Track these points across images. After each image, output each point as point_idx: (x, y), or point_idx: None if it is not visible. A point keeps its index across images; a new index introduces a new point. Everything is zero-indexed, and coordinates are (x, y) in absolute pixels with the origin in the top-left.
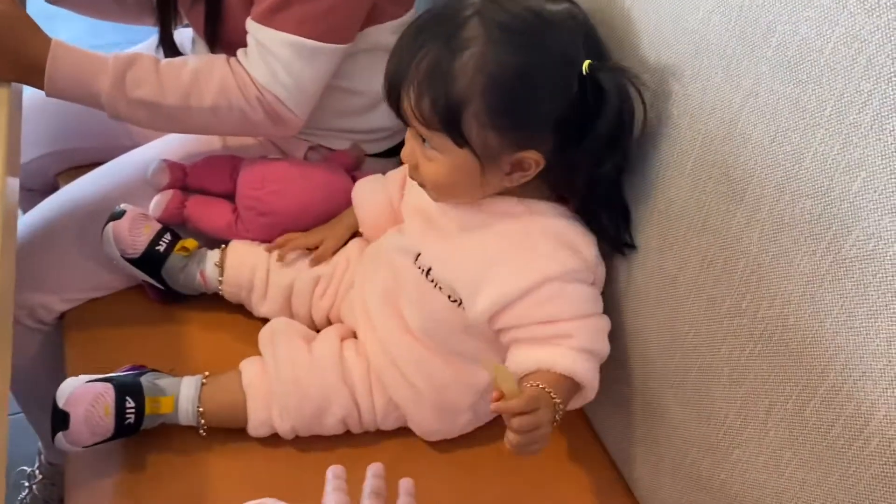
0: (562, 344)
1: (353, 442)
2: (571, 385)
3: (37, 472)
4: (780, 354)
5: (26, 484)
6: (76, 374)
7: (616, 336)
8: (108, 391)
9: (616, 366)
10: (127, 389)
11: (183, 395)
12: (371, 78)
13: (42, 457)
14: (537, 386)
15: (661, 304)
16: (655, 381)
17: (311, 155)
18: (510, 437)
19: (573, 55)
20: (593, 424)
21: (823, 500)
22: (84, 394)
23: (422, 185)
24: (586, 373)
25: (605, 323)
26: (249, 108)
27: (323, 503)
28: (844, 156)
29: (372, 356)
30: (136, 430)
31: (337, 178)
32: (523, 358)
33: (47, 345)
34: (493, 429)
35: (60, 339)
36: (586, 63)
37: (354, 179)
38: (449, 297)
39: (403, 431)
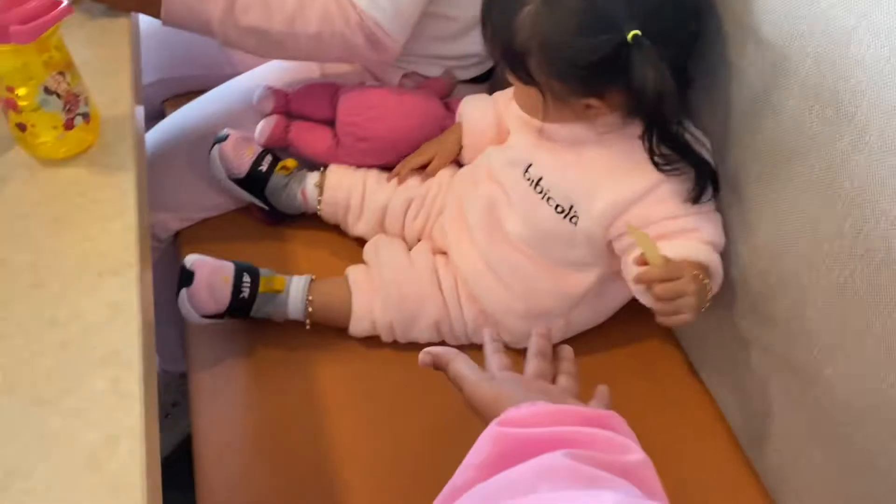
0: (692, 237)
1: None
2: (703, 275)
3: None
4: (880, 275)
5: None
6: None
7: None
8: (228, 265)
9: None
10: (244, 269)
11: (294, 285)
12: (463, 3)
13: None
14: (690, 270)
15: (758, 229)
16: (749, 301)
17: (405, 82)
18: (653, 304)
19: (619, 22)
20: (679, 338)
21: None
22: (208, 261)
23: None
24: (718, 264)
25: (719, 216)
26: (350, 32)
27: (486, 364)
28: None
29: (467, 266)
30: (249, 309)
31: (431, 104)
32: (675, 249)
33: (162, 262)
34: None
35: (175, 257)
36: (631, 34)
37: (448, 106)
38: (556, 207)
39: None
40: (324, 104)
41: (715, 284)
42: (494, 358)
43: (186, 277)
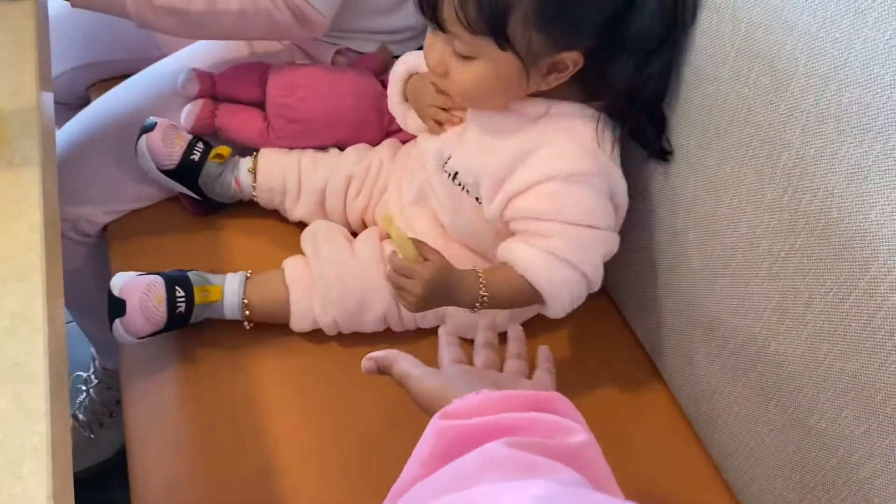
0: (536, 244)
1: (393, 339)
2: (530, 288)
3: (92, 377)
4: (822, 247)
5: (83, 388)
6: None
7: (653, 234)
8: (159, 282)
9: (650, 262)
10: (176, 281)
11: (228, 287)
12: None
13: (96, 362)
14: (475, 270)
15: (700, 201)
16: (691, 278)
17: (338, 59)
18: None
19: None
20: (626, 318)
21: (860, 390)
22: (137, 283)
23: (447, 92)
24: (546, 281)
25: (599, 239)
26: (276, 9)
27: (439, 357)
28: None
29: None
30: (186, 322)
31: (365, 81)
32: (501, 249)
33: (92, 256)
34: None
35: (105, 250)
36: None
37: (383, 83)
38: (476, 199)
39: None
40: (252, 85)
41: (551, 304)
42: (448, 351)
43: (117, 306)
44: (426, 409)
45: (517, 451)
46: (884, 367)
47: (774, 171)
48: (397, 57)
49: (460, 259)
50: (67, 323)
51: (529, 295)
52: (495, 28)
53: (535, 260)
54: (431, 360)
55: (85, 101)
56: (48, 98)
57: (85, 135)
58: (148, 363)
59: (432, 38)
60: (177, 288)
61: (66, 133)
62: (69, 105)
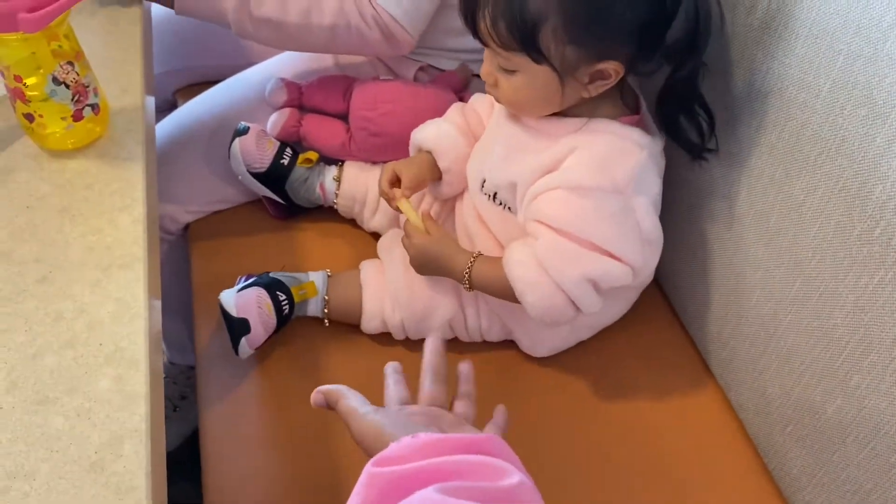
0: (527, 244)
1: (457, 348)
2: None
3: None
4: None
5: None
6: (202, 282)
7: (732, 262)
8: (263, 292)
9: (729, 291)
10: (274, 286)
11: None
12: None
13: (164, 357)
14: (470, 253)
15: (784, 231)
16: (772, 307)
17: (420, 75)
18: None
19: None
20: (696, 342)
21: None
22: (249, 299)
23: (499, 101)
24: (517, 277)
25: (585, 257)
26: (366, 27)
27: (385, 397)
28: None
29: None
30: (287, 322)
31: (446, 98)
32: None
33: (172, 253)
34: (586, 349)
35: (184, 249)
36: None
37: (462, 100)
38: (488, 195)
39: (508, 345)
40: (337, 98)
41: (527, 305)
42: (394, 390)
43: (240, 326)
44: (366, 451)
45: (449, 497)
46: None
47: (866, 204)
48: (476, 75)
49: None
50: None
51: (509, 289)
52: (527, 44)
53: (517, 255)
54: (497, 376)
55: (172, 105)
56: (150, 101)
57: (175, 136)
58: (222, 360)
59: (487, 52)
60: (278, 293)
61: (158, 133)
62: (157, 108)
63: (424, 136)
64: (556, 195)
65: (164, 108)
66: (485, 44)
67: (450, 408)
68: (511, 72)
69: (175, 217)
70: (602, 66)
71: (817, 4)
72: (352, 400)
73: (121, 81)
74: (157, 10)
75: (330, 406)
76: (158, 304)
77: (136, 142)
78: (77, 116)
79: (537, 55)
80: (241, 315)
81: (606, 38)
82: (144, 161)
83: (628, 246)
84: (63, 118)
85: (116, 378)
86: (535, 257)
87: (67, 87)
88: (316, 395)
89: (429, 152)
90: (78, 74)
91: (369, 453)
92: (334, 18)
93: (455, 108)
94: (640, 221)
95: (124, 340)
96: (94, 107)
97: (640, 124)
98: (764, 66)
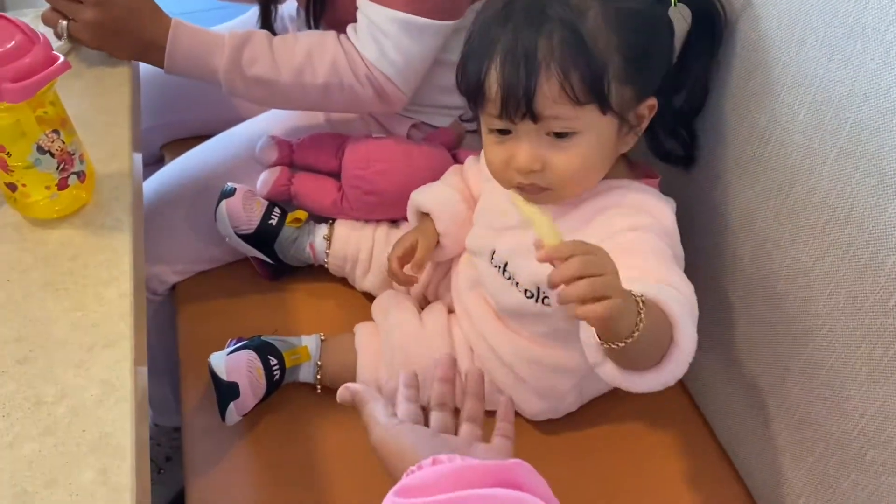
0: (636, 279)
1: (456, 415)
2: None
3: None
4: None
5: None
6: (189, 345)
7: (739, 324)
8: (253, 355)
9: (735, 351)
10: (265, 350)
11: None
12: None
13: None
14: (636, 296)
15: (791, 297)
16: (780, 373)
17: (413, 132)
18: (561, 291)
19: None
20: (704, 412)
21: None
22: (239, 363)
23: (545, 187)
24: (674, 303)
25: (686, 291)
26: (359, 85)
27: (397, 410)
28: None
29: (473, 343)
30: (277, 388)
31: (439, 156)
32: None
33: (158, 314)
34: (597, 409)
35: (171, 310)
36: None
37: (455, 158)
38: (525, 292)
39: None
40: (329, 155)
41: (681, 338)
42: (404, 406)
43: (229, 390)
44: (382, 460)
45: None
46: None
47: (878, 275)
48: (471, 131)
49: (520, 351)
50: None
51: (661, 320)
52: (599, 93)
53: (656, 289)
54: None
55: (160, 159)
56: (137, 164)
57: (162, 194)
58: (210, 427)
59: (515, 141)
60: (269, 357)
61: (145, 191)
62: (144, 162)
63: (424, 199)
64: (619, 238)
65: (152, 162)
66: (537, 116)
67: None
68: (566, 140)
69: (162, 278)
70: (648, 102)
71: (821, 72)
72: (377, 409)
73: (108, 145)
74: (144, 65)
75: (355, 405)
76: (145, 384)
77: (124, 209)
78: (62, 185)
79: (606, 103)
80: (231, 379)
81: (655, 70)
82: (132, 229)
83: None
84: (47, 187)
85: (101, 470)
86: (664, 281)
87: (52, 155)
88: (343, 392)
89: (427, 215)
90: (63, 142)
91: (386, 464)
92: (327, 77)
93: (454, 171)
94: (679, 252)
95: (109, 426)
96: (80, 174)
97: (656, 187)
98: (767, 132)
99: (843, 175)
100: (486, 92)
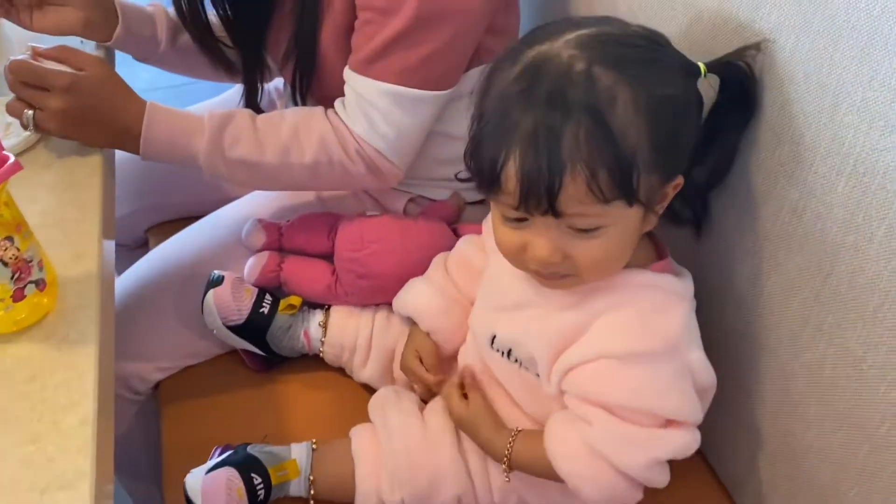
0: (576, 427)
1: None
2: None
3: None
4: None
5: None
6: (173, 450)
7: (779, 417)
8: (235, 475)
9: (777, 450)
10: (249, 467)
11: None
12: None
13: None
14: (512, 430)
15: (842, 388)
16: (831, 475)
17: (410, 207)
18: None
19: (688, 63)
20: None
21: None
22: (217, 485)
23: (567, 274)
24: (567, 472)
25: (656, 437)
26: (350, 161)
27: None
28: None
29: None
30: None
31: (437, 231)
32: (549, 419)
33: (142, 415)
34: None
35: (156, 409)
36: (702, 66)
37: (455, 232)
38: (537, 374)
39: None
40: (321, 237)
41: (586, 494)
42: None
43: None
44: None
45: None
46: None
47: None
48: (471, 203)
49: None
50: None
51: (555, 474)
52: (627, 189)
53: (565, 447)
54: None
55: (144, 243)
56: (109, 246)
57: (143, 285)
58: None
59: (534, 232)
60: (253, 475)
61: (123, 283)
62: (128, 246)
63: (401, 304)
64: (601, 367)
65: (136, 246)
66: (559, 212)
67: None
68: (590, 234)
69: (144, 376)
70: (674, 183)
71: (860, 139)
72: None
73: (76, 245)
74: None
75: None
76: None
77: (90, 319)
78: (17, 296)
79: (633, 197)
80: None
81: (684, 151)
82: (98, 342)
83: (691, 407)
84: (1, 300)
85: None
86: (587, 445)
87: (6, 264)
88: None
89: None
90: (18, 249)
91: None
92: (315, 155)
93: (436, 263)
94: (696, 376)
95: None
96: (39, 282)
97: (669, 269)
98: (800, 205)
99: (892, 251)
100: (503, 184)
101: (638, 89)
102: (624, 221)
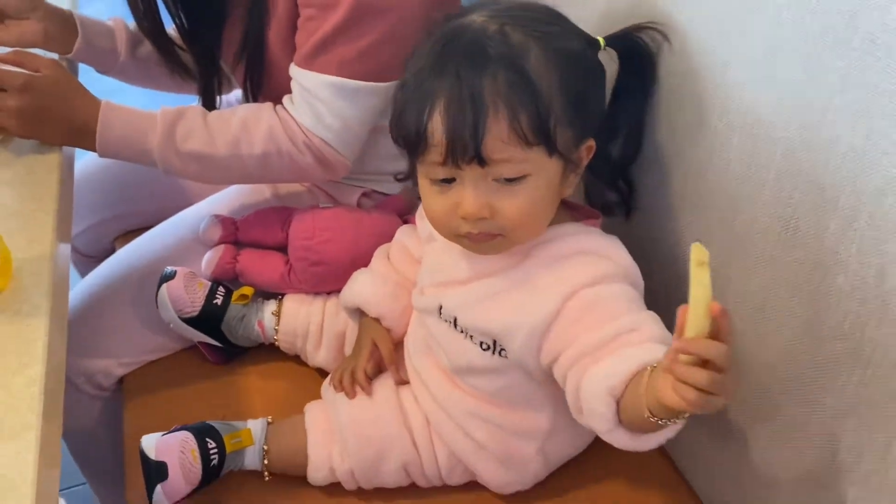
0: (634, 341)
1: (418, 495)
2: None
3: None
4: (886, 380)
5: None
6: (133, 437)
7: None
8: (189, 437)
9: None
10: (204, 432)
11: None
12: None
13: None
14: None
15: (746, 334)
16: (749, 417)
17: (363, 201)
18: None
19: (588, 36)
20: (678, 465)
21: None
22: (172, 442)
23: (496, 233)
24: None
25: (652, 315)
26: (297, 152)
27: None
28: None
29: (427, 410)
30: (217, 475)
31: (388, 221)
32: (608, 369)
33: (107, 411)
34: (564, 478)
35: (120, 404)
36: (601, 39)
37: (406, 223)
38: (481, 344)
39: (475, 486)
40: (275, 230)
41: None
42: None
43: (156, 471)
44: None
45: None
46: None
47: (829, 297)
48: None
49: (475, 412)
50: (80, 485)
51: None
52: (546, 133)
53: (659, 349)
54: None
55: (111, 254)
56: (65, 249)
57: (103, 286)
58: None
59: (459, 188)
60: (208, 440)
61: (85, 285)
62: (95, 258)
63: (347, 296)
64: (589, 295)
65: (103, 257)
66: (486, 160)
67: None
68: (514, 184)
69: (108, 371)
70: (587, 144)
71: (748, 95)
72: None
73: (30, 231)
74: (92, 158)
75: None
76: (55, 480)
77: (42, 294)
78: None
79: (552, 144)
80: (159, 458)
81: (594, 111)
82: (50, 314)
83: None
84: None
85: None
86: (661, 339)
87: None
88: None
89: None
90: None
91: None
92: (265, 146)
93: (378, 254)
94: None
95: None
96: None
97: (599, 228)
98: (704, 165)
99: (783, 198)
100: (429, 138)
101: (546, 45)
102: (545, 173)
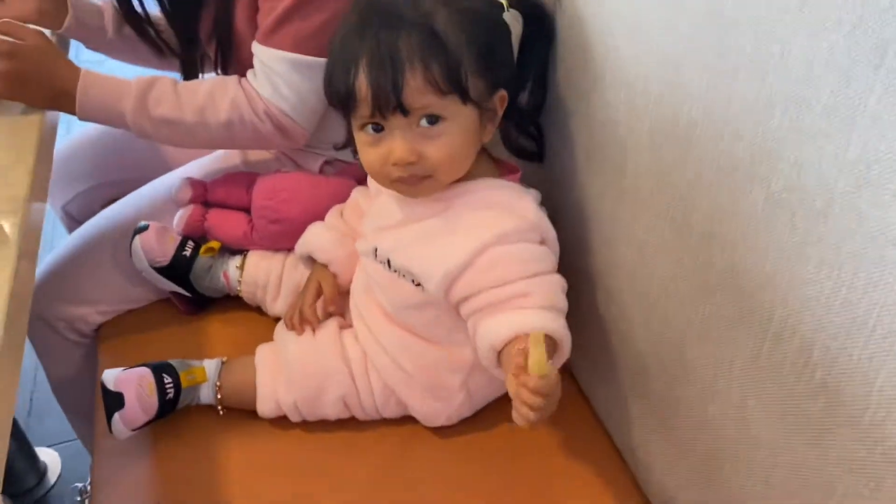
0: (524, 305)
1: (357, 426)
2: (550, 344)
3: (88, 487)
4: (734, 304)
5: (77, 499)
6: None
7: (598, 310)
8: (147, 372)
9: (601, 337)
10: (161, 369)
11: (207, 371)
12: None
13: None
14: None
15: (636, 275)
16: (641, 349)
17: (326, 168)
18: (525, 413)
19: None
20: (594, 406)
21: (786, 443)
22: (130, 376)
23: (425, 175)
24: (560, 329)
25: (558, 279)
26: (259, 121)
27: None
28: (762, 93)
29: (365, 345)
30: (174, 408)
31: (345, 184)
32: (494, 327)
33: (88, 359)
34: (492, 414)
35: (96, 350)
36: (504, 1)
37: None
38: (413, 282)
39: (408, 420)
40: (240, 192)
41: (566, 349)
42: None
43: (114, 400)
44: None
45: None
46: (798, 416)
47: (690, 233)
48: None
49: (407, 346)
50: (70, 441)
51: (551, 348)
52: (458, 83)
53: (542, 317)
54: (397, 452)
55: None
56: (39, 208)
57: (86, 240)
58: (116, 450)
59: (388, 138)
60: (164, 375)
61: (70, 239)
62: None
63: (301, 244)
64: (498, 252)
65: None
66: (407, 109)
67: None
68: (436, 128)
69: (87, 318)
70: (499, 94)
71: (627, 51)
72: None
73: (6, 178)
74: (84, 131)
75: None
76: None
77: (13, 224)
78: None
79: (465, 93)
80: (118, 389)
81: (501, 66)
82: (17, 245)
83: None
84: None
85: None
86: (548, 307)
87: None
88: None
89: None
90: None
91: None
92: (228, 114)
93: (333, 211)
94: (553, 248)
95: None
96: None
97: (518, 181)
98: (601, 118)
99: (656, 144)
100: (357, 94)
101: (451, 8)
102: (461, 118)
